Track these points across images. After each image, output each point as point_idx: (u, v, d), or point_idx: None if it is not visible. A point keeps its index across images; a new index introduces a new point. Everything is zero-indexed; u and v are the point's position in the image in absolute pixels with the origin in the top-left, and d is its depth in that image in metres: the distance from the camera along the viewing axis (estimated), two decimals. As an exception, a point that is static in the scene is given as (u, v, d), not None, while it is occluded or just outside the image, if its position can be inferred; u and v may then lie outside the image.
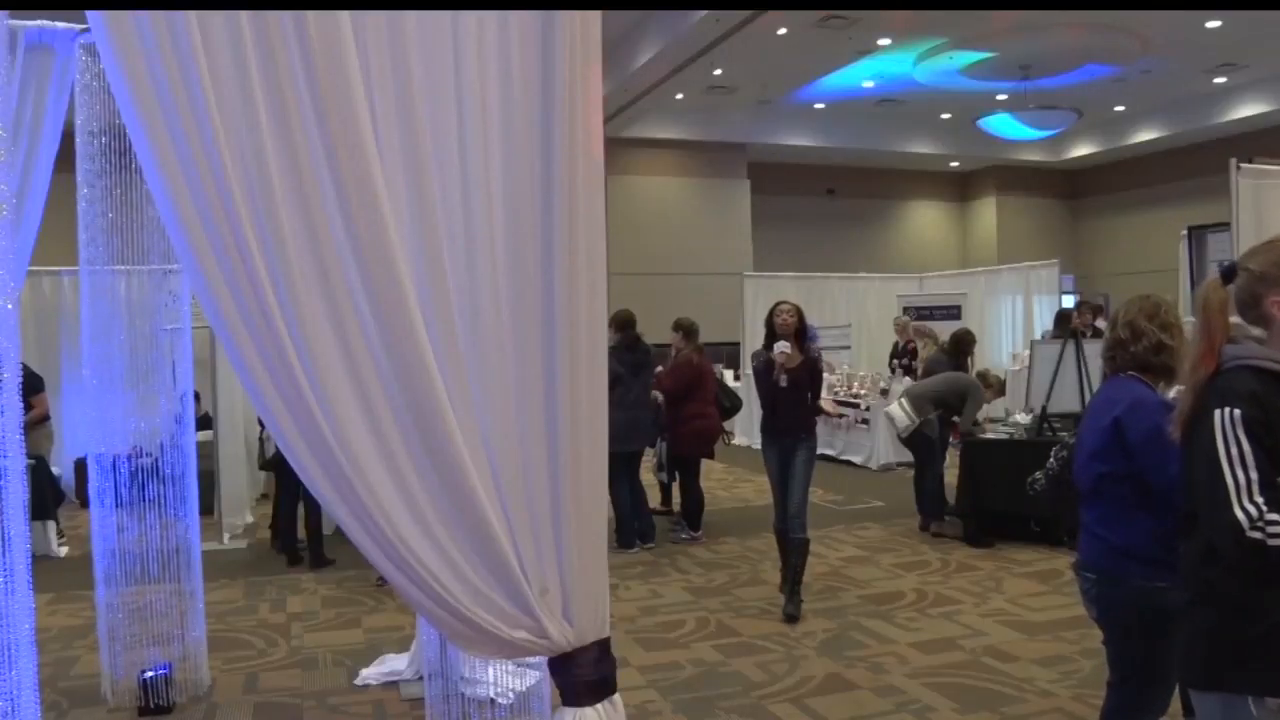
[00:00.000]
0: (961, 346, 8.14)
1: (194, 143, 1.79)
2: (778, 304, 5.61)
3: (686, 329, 7.55)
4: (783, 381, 5.34)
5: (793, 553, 5.50)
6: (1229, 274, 2.05)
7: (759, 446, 6.11)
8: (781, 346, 5.33)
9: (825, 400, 5.15)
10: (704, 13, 10.09)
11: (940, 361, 8.11)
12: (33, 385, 6.48)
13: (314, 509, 6.60)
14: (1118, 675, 2.84)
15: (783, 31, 11.01)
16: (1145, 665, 2.73)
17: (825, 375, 6.92)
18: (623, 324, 7.00)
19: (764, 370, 5.47)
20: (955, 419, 7.53)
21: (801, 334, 5.48)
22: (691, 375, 7.33)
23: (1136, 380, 2.74)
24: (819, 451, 5.90)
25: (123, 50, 1.76)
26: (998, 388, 8.97)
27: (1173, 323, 2.74)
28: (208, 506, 6.46)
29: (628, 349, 6.98)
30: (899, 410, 7.42)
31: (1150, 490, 2.61)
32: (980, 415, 7.84)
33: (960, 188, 20.39)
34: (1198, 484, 1.98)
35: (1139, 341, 2.73)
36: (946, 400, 7.43)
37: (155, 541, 4.28)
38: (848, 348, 13.09)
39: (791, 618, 5.29)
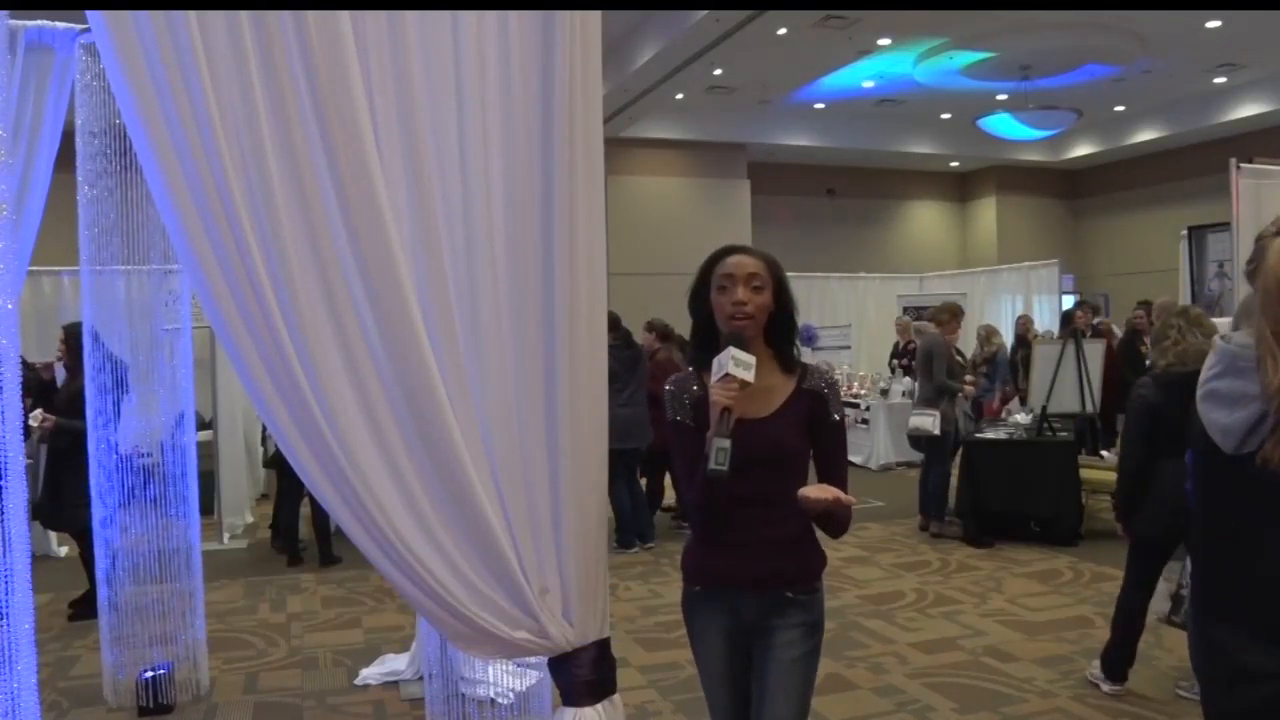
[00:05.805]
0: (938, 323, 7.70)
1: (194, 143, 1.79)
2: (722, 255, 2.24)
3: (661, 330, 7.57)
4: (717, 460, 1.96)
5: None
6: None
7: None
8: (730, 364, 2.04)
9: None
10: (704, 13, 10.08)
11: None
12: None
13: (321, 508, 6.60)
14: None
15: (783, 31, 10.99)
16: None
17: None
18: (614, 323, 7.01)
19: (690, 425, 2.21)
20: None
21: (782, 330, 2.30)
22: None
23: None
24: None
25: (123, 50, 1.76)
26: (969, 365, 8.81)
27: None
28: (208, 506, 6.47)
29: (624, 346, 7.01)
30: (919, 420, 7.26)
31: None
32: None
33: (960, 188, 20.36)
34: None
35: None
36: (930, 375, 7.33)
37: (155, 541, 4.29)
38: (848, 348, 13.10)
39: None
